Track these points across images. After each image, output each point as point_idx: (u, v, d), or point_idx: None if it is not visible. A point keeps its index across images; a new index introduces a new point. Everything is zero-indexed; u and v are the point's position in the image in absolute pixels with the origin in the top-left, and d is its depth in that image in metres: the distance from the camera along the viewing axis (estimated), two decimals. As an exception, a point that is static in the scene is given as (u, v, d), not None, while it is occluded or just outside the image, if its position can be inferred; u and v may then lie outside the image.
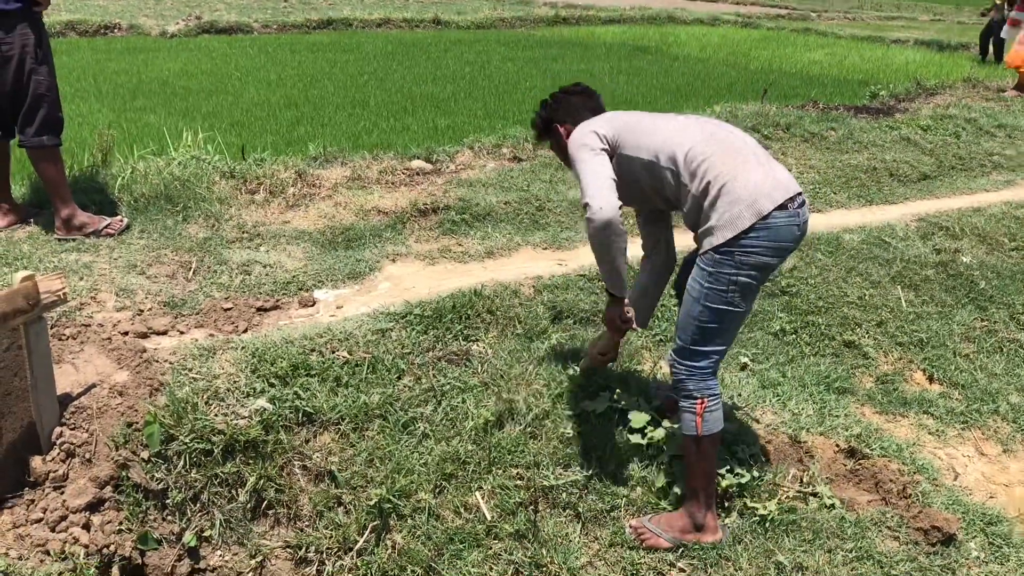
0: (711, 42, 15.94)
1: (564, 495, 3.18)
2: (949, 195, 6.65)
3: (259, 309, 3.93)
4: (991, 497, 3.64)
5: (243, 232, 4.69)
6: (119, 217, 4.55)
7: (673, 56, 13.98)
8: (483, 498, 3.15)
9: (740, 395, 3.85)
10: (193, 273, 4.19)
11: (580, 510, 3.14)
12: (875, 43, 17.30)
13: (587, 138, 2.99)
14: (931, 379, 4.45)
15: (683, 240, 3.27)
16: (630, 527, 3.10)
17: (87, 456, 2.97)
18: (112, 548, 2.85)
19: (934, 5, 34.27)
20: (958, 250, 5.51)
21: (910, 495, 3.41)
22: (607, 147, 2.98)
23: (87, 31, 13.61)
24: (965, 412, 4.19)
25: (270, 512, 3.11)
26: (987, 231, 5.84)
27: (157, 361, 3.33)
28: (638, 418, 3.37)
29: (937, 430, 4.02)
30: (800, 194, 2.84)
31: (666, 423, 3.38)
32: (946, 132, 8.03)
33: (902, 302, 4.92)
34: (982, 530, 3.33)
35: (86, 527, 2.86)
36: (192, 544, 2.99)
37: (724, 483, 3.20)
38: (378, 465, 3.19)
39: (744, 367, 4.15)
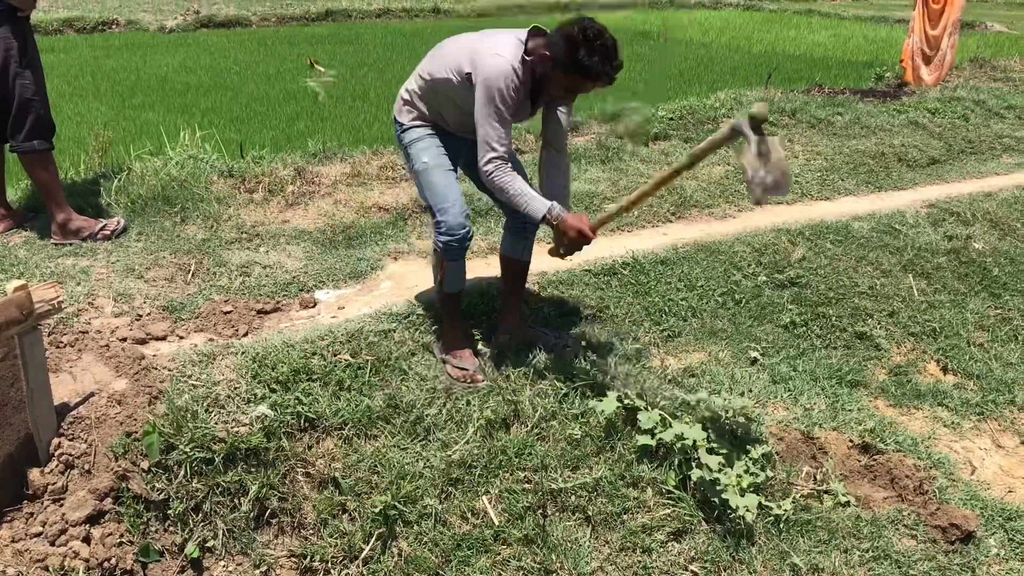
0: (713, 26, 15.79)
1: (573, 498, 3.11)
2: (959, 180, 6.55)
3: (259, 311, 3.86)
4: (1010, 491, 3.57)
5: (242, 232, 4.62)
6: (116, 219, 4.49)
7: (675, 41, 13.84)
8: (490, 502, 3.09)
9: (751, 391, 3.77)
10: (192, 276, 4.12)
11: (590, 513, 3.08)
12: (879, 23, 17.12)
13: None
14: (945, 370, 4.37)
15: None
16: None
17: (86, 467, 2.92)
18: (113, 561, 2.80)
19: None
20: (970, 236, 5.42)
21: (927, 491, 3.34)
22: None
23: (84, 28, 13.51)
24: (981, 403, 4.10)
25: (273, 521, 3.05)
26: (999, 216, 5.74)
27: (156, 368, 3.27)
28: (647, 418, 3.29)
29: (952, 423, 3.95)
30: None
31: (676, 423, 3.30)
32: (955, 115, 7.91)
33: (914, 291, 4.83)
34: (1001, 526, 3.27)
35: (86, 540, 2.81)
36: (195, 555, 2.93)
37: (744, 483, 3.12)
38: (382, 471, 3.13)
39: (754, 361, 4.08)
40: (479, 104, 3.12)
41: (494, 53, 3.10)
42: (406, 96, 3.44)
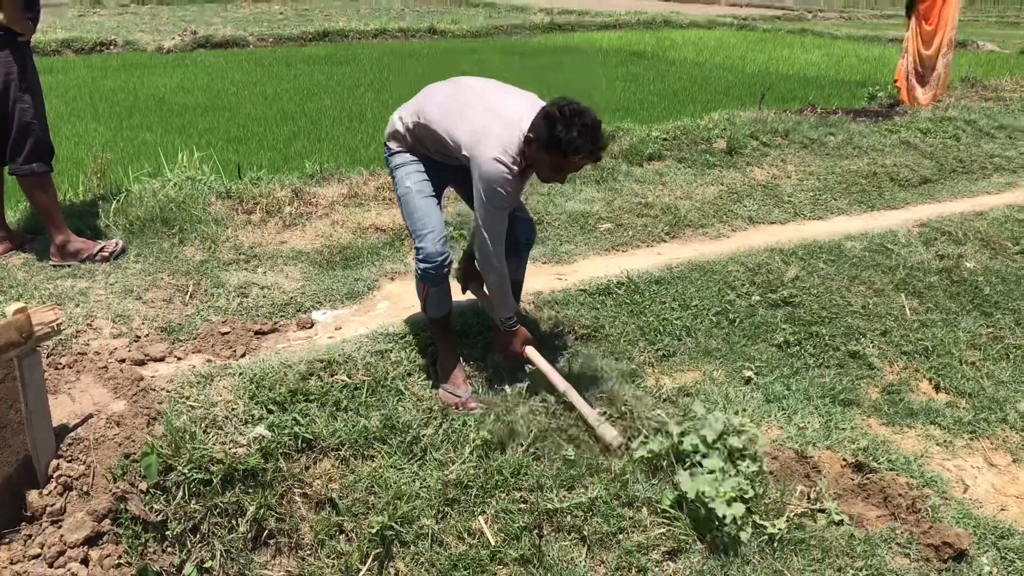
0: (707, 46, 15.91)
1: (569, 518, 3.13)
2: (950, 199, 6.62)
3: (257, 332, 3.89)
4: (1002, 509, 3.59)
5: (240, 254, 4.65)
6: (114, 240, 4.52)
7: (670, 61, 13.95)
8: (486, 523, 3.11)
9: (745, 410, 3.80)
10: (190, 297, 4.15)
11: (585, 533, 3.10)
12: (871, 42, 17.27)
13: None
14: (937, 388, 4.40)
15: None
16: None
17: (84, 489, 2.93)
18: (111, 583, 2.81)
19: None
20: (961, 255, 5.47)
21: (919, 510, 3.36)
22: None
23: (83, 49, 13.60)
24: (973, 421, 4.13)
25: (271, 542, 3.06)
26: (990, 235, 5.80)
27: (154, 389, 3.30)
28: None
29: (945, 441, 3.98)
30: None
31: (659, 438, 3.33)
32: (946, 134, 7.99)
33: (906, 310, 4.88)
34: (994, 544, 3.29)
35: (84, 562, 2.82)
36: (192, 576, 2.95)
37: (728, 494, 3.15)
38: (379, 491, 3.15)
39: (748, 380, 4.11)
40: (480, 199, 3.22)
41: (492, 158, 3.14)
42: (399, 127, 3.54)
